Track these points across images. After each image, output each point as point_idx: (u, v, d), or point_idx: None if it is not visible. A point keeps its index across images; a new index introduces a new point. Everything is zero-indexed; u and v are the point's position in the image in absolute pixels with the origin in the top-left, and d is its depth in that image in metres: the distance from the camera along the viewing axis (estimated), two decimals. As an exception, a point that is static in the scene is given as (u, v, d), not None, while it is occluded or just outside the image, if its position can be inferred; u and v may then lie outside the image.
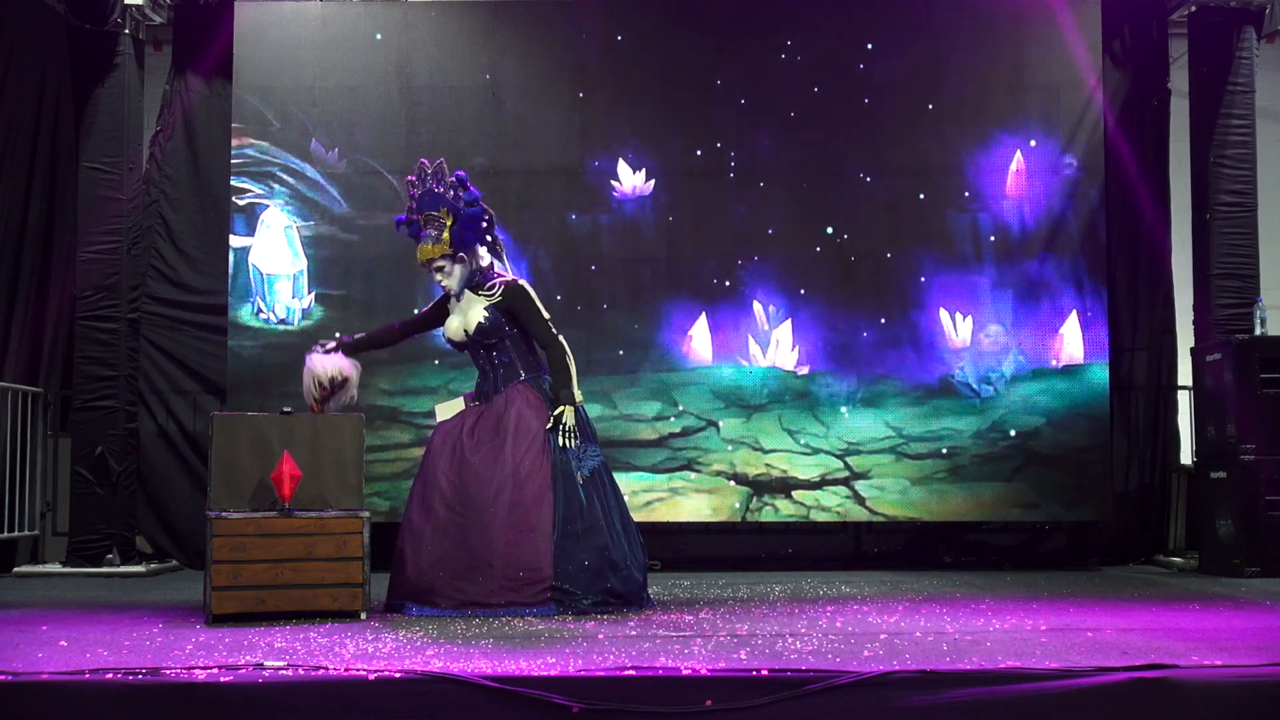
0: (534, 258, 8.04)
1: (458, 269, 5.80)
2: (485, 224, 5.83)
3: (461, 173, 5.80)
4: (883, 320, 8.06)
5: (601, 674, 3.80)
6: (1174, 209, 8.34)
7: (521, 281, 5.88)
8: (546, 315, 5.83)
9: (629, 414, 8.00)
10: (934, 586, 6.70)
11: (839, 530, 8.23)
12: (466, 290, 5.84)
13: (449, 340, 5.95)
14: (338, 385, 5.89)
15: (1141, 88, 8.37)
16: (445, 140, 8.07)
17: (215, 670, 3.82)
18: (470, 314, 5.80)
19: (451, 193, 5.75)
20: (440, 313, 6.00)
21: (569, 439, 5.66)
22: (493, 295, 5.80)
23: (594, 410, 7.96)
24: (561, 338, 5.82)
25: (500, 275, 5.86)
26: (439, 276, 5.83)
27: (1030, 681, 3.76)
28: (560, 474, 5.59)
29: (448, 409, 5.88)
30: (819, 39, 8.17)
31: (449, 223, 5.75)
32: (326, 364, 5.90)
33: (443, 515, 5.56)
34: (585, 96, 8.15)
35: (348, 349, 5.99)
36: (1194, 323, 8.14)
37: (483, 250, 5.84)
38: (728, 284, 8.05)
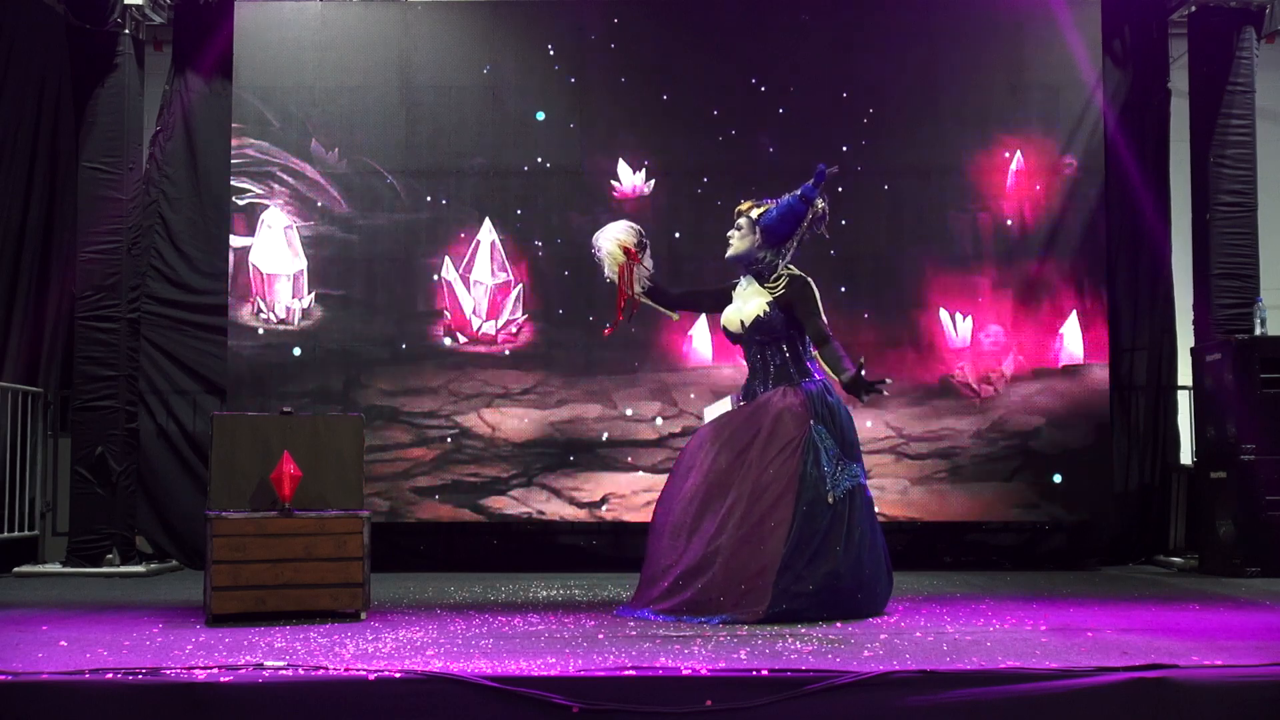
0: (534, 258, 8.04)
1: (747, 241, 5.65)
2: (801, 224, 5.61)
3: (820, 165, 5.64)
4: (883, 320, 8.05)
5: (601, 674, 3.80)
6: (1174, 209, 8.34)
7: (808, 278, 5.60)
8: (824, 317, 5.56)
9: (629, 414, 7.98)
10: (934, 586, 6.70)
11: (839, 530, 8.22)
12: (753, 280, 5.65)
13: (724, 329, 5.74)
14: (640, 247, 5.76)
15: (1141, 88, 8.37)
16: (445, 140, 8.08)
17: (215, 670, 3.82)
18: (749, 306, 5.60)
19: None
20: (722, 298, 5.78)
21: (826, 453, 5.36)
22: (776, 288, 5.57)
23: (594, 409, 8.02)
24: (835, 341, 5.54)
25: (787, 271, 5.63)
26: (731, 233, 5.71)
27: (1030, 681, 3.76)
28: (806, 489, 5.29)
29: (715, 409, 5.68)
30: (819, 39, 8.17)
31: (772, 204, 5.68)
32: (620, 228, 5.81)
33: (678, 516, 5.47)
34: (585, 96, 8.15)
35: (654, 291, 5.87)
36: (1194, 323, 8.14)
37: (788, 247, 5.64)
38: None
